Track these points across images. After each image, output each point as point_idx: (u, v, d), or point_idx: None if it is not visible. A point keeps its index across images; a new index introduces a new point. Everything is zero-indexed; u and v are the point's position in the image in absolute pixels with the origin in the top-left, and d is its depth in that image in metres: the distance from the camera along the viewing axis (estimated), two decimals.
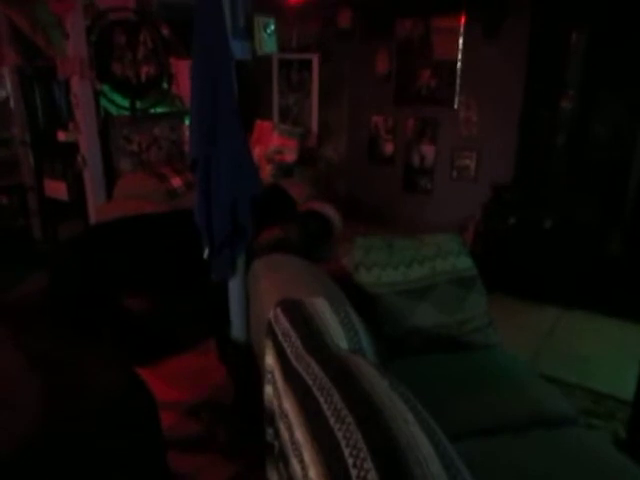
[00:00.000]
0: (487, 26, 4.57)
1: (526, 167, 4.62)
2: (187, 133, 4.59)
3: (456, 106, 4.98)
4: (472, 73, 4.83)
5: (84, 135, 4.01)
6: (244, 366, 2.36)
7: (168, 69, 4.53)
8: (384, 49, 5.28)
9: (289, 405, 1.30)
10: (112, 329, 2.43)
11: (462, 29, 4.76)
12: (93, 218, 4.12)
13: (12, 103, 4.74)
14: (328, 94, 5.79)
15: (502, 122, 4.70)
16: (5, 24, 4.47)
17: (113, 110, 4.28)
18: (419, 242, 2.55)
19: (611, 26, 4.04)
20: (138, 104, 4.39)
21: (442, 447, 1.05)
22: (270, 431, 1.53)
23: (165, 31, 4.48)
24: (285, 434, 1.30)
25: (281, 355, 1.48)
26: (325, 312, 1.62)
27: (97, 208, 4.07)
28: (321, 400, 1.17)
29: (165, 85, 4.57)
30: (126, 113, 4.35)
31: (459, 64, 4.86)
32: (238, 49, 2.14)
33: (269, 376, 1.57)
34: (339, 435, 1.05)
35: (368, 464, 0.96)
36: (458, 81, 4.91)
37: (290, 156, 5.38)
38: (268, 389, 1.58)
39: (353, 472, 0.96)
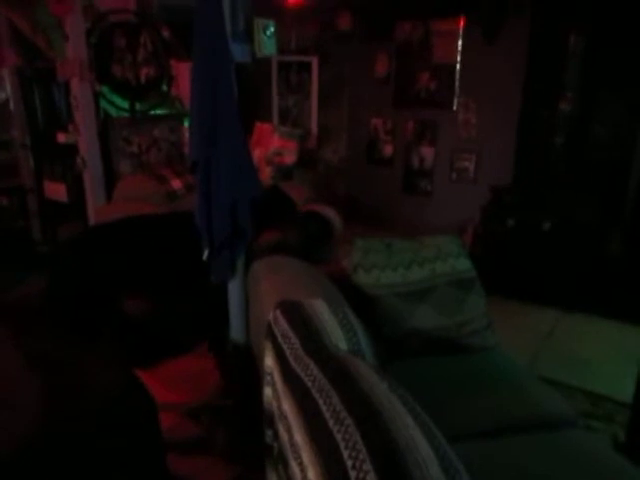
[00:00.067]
0: (486, 29, 4.58)
1: (525, 169, 4.62)
2: (187, 135, 4.59)
3: (455, 108, 4.99)
4: (471, 75, 4.84)
5: (84, 137, 4.01)
6: (243, 368, 2.36)
7: (168, 71, 4.53)
8: (383, 51, 5.29)
9: (288, 406, 1.30)
10: (111, 331, 2.43)
11: (461, 32, 4.76)
12: (93, 220, 4.12)
13: (12, 105, 4.75)
14: (327, 96, 5.80)
15: (501, 124, 4.71)
16: (5, 26, 4.47)
17: (113, 112, 4.28)
18: (418, 244, 2.55)
19: (610, 27, 4.05)
20: (138, 106, 4.39)
21: (441, 449, 1.05)
22: (269, 433, 1.54)
23: (165, 33, 4.48)
24: (284, 436, 1.30)
25: (280, 356, 1.48)
26: (324, 313, 1.62)
27: (97, 210, 4.07)
28: (320, 401, 1.17)
29: (165, 87, 4.57)
30: (126, 115, 4.35)
31: (458, 66, 4.86)
32: (238, 52, 2.14)
33: (268, 378, 1.58)
34: (338, 437, 1.05)
35: (367, 466, 0.96)
36: (457, 83, 4.92)
37: (290, 158, 5.38)
38: (267, 391, 1.58)
39: (352, 474, 0.96)
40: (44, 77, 4.54)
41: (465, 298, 2.44)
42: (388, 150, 5.58)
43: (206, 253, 2.16)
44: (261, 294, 2.02)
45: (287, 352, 1.46)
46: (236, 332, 2.37)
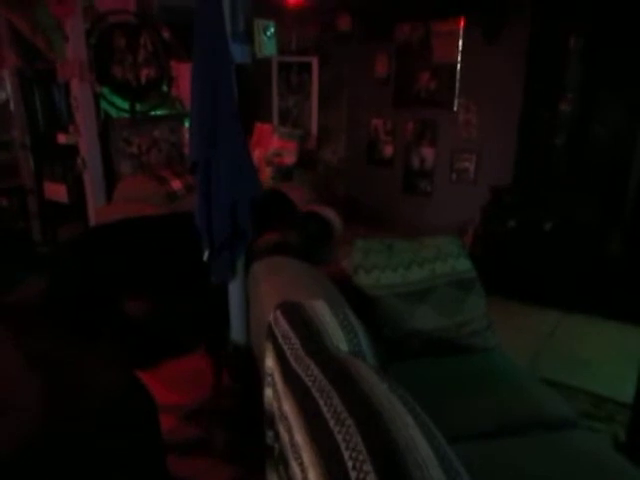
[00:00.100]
0: (486, 29, 4.58)
1: (526, 169, 4.62)
2: (187, 136, 4.60)
3: (455, 108, 4.99)
4: (471, 76, 4.83)
5: (84, 138, 4.02)
6: (244, 369, 2.36)
7: (168, 72, 4.53)
8: (383, 52, 5.29)
9: (289, 407, 1.30)
10: (112, 331, 2.43)
11: (461, 32, 4.76)
12: (93, 221, 4.12)
13: (12, 106, 4.75)
14: (328, 97, 5.81)
15: (502, 124, 4.71)
16: (5, 27, 4.47)
17: (113, 112, 4.29)
18: (418, 244, 2.55)
19: (610, 27, 4.05)
20: (138, 107, 4.40)
21: (441, 449, 1.05)
22: (270, 434, 1.54)
23: (165, 34, 4.49)
24: (285, 436, 1.30)
25: (281, 357, 1.48)
26: (325, 314, 1.62)
27: (97, 211, 4.07)
28: (321, 402, 1.17)
29: (165, 88, 4.58)
30: (126, 116, 4.35)
31: (459, 67, 4.86)
32: (238, 53, 2.14)
33: (269, 379, 1.58)
34: (339, 437, 1.05)
35: (368, 466, 0.96)
36: (457, 84, 4.92)
37: (289, 159, 5.38)
38: (268, 391, 1.58)
39: (353, 474, 0.96)
40: (44, 78, 4.54)
41: (465, 299, 2.44)
42: (388, 151, 5.58)
43: (206, 254, 2.16)
44: (261, 295, 2.02)
45: (288, 353, 1.46)
46: (237, 333, 2.37)
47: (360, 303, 2.20)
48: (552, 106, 4.39)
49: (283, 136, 5.51)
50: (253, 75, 5.93)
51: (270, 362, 1.57)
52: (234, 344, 2.40)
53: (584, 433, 2.01)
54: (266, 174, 5.22)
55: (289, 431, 1.27)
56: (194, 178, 2.16)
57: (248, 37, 2.26)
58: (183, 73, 4.51)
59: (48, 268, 2.66)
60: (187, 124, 4.60)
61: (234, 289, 2.32)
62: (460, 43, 4.79)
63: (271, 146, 5.40)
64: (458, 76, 4.89)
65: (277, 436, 1.42)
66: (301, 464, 1.14)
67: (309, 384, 1.26)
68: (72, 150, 4.20)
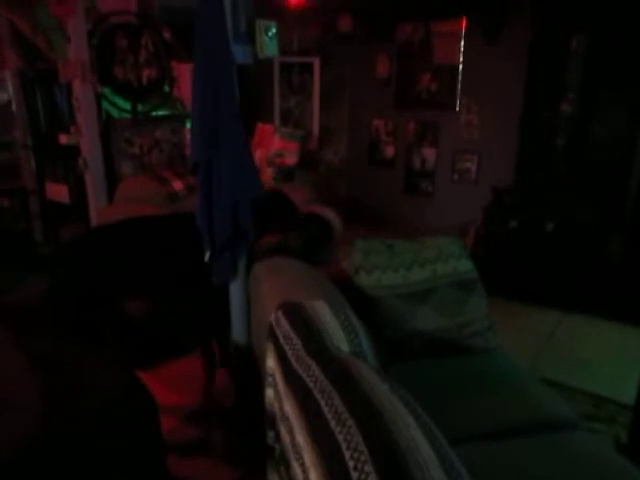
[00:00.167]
0: (487, 29, 4.58)
1: (527, 170, 4.62)
2: (188, 136, 4.60)
3: (457, 109, 4.98)
4: (473, 76, 4.83)
5: (85, 138, 4.02)
6: (245, 369, 2.37)
7: (170, 72, 4.54)
8: (384, 53, 5.29)
9: (290, 408, 1.30)
10: (113, 332, 2.43)
11: (463, 33, 4.76)
12: (94, 221, 4.12)
13: (14, 106, 4.75)
14: (329, 97, 5.81)
15: (503, 125, 4.71)
16: (6, 27, 4.48)
17: (115, 113, 4.29)
18: (420, 245, 2.55)
19: (611, 28, 4.04)
20: (140, 107, 4.40)
21: (442, 451, 1.05)
22: (271, 434, 1.54)
23: (167, 35, 4.49)
24: (286, 437, 1.30)
25: (282, 358, 1.48)
26: (325, 315, 1.62)
27: (98, 211, 4.07)
28: (322, 403, 1.17)
29: (167, 88, 4.58)
30: (128, 116, 4.35)
31: (460, 67, 4.86)
32: (239, 53, 2.15)
33: (270, 379, 1.58)
34: (340, 438, 1.05)
35: (369, 467, 0.96)
36: (459, 85, 4.92)
37: (291, 159, 5.39)
38: (269, 392, 1.58)
39: (354, 475, 0.96)
40: (46, 79, 4.54)
41: (466, 299, 2.44)
42: (389, 151, 5.58)
43: (208, 254, 2.16)
44: (262, 295, 2.03)
45: (289, 353, 1.46)
46: (238, 333, 2.37)
47: (361, 304, 2.20)
48: (553, 107, 4.39)
49: (284, 136, 5.51)
50: (255, 76, 5.94)
51: (271, 362, 1.57)
52: (235, 344, 2.40)
53: (585, 434, 2.01)
54: (267, 175, 5.23)
55: (290, 431, 1.27)
56: (195, 179, 2.17)
57: (250, 37, 2.26)
58: (184, 74, 4.52)
59: (49, 268, 2.66)
60: (188, 125, 4.60)
61: (235, 289, 2.32)
62: (462, 44, 4.79)
63: (272, 146, 5.41)
64: (459, 77, 4.89)
65: (278, 436, 1.42)
66: (302, 464, 1.14)
67: (310, 385, 1.26)
68: (74, 150, 4.20)
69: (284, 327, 1.57)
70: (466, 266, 2.53)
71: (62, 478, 1.45)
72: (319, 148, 5.98)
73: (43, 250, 4.94)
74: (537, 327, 3.87)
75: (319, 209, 3.17)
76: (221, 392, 2.81)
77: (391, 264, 2.39)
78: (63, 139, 4.39)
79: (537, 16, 4.31)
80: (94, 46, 3.97)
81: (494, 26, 4.55)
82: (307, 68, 5.82)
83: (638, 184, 4.09)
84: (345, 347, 1.53)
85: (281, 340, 1.53)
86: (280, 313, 1.64)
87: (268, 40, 2.59)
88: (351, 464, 0.98)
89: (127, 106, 4.32)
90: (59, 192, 4.66)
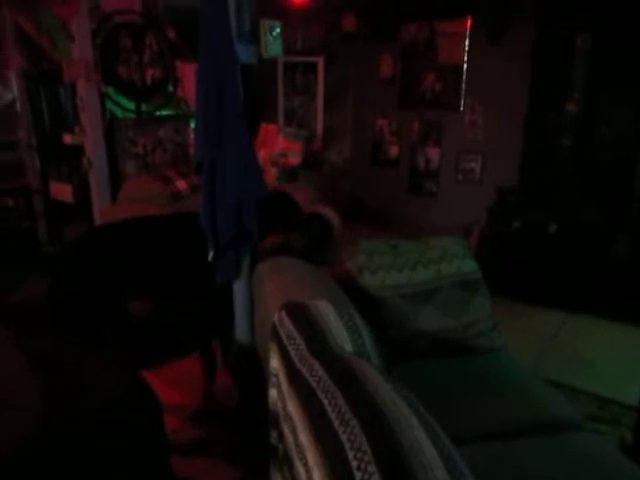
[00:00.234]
0: (491, 29, 4.58)
1: (531, 170, 4.61)
2: (192, 136, 4.60)
3: (462, 109, 4.98)
4: (477, 76, 4.83)
5: (89, 138, 4.03)
6: (248, 369, 2.36)
7: (174, 72, 4.54)
8: (388, 52, 5.29)
9: (293, 407, 1.30)
10: (115, 331, 2.43)
11: (467, 33, 4.75)
12: (98, 221, 4.13)
13: (18, 106, 4.77)
14: (333, 97, 5.81)
15: (507, 125, 4.70)
16: (11, 28, 4.49)
17: (119, 113, 4.30)
18: (424, 245, 2.55)
19: (616, 27, 4.03)
20: (144, 107, 4.41)
21: (446, 451, 1.04)
22: (274, 434, 1.53)
23: (171, 34, 4.50)
24: (289, 437, 1.30)
25: (285, 358, 1.48)
26: (329, 315, 1.62)
27: (102, 211, 4.08)
28: (325, 402, 1.17)
29: (171, 88, 4.59)
30: (132, 116, 4.36)
31: (465, 67, 4.85)
32: (243, 53, 2.14)
33: (274, 379, 1.57)
34: (343, 438, 1.04)
35: (372, 467, 0.96)
36: (463, 84, 4.91)
37: (295, 159, 5.39)
38: (272, 392, 1.58)
39: (357, 475, 0.96)
40: (50, 78, 4.55)
41: (470, 299, 2.44)
42: (393, 151, 5.58)
43: (211, 254, 2.16)
44: (266, 295, 2.02)
45: (292, 353, 1.46)
46: (241, 333, 2.37)
47: (365, 304, 2.19)
48: (557, 106, 4.38)
49: (288, 136, 5.51)
50: (259, 75, 5.94)
51: (275, 362, 1.57)
52: (239, 344, 2.40)
53: (589, 435, 2.00)
54: (271, 174, 5.23)
55: (293, 431, 1.26)
56: (199, 178, 2.17)
57: (254, 37, 2.26)
58: (188, 73, 4.52)
59: (51, 268, 2.66)
60: (192, 124, 4.60)
61: (239, 289, 2.32)
62: (466, 43, 4.78)
63: (276, 146, 5.41)
64: (464, 77, 4.88)
65: (281, 436, 1.42)
66: (305, 464, 1.14)
67: (314, 384, 1.25)
68: (78, 150, 4.21)
69: (287, 327, 1.57)
70: (470, 266, 2.52)
71: (62, 478, 1.45)
72: (323, 148, 5.98)
73: (47, 249, 4.95)
74: (541, 327, 3.86)
75: (320, 208, 3.17)
76: (223, 392, 2.81)
77: (395, 264, 2.39)
78: (67, 139, 4.40)
79: (541, 15, 4.30)
80: (98, 46, 3.97)
81: (498, 26, 4.54)
82: (311, 68, 5.82)
83: None
84: (349, 347, 1.53)
85: (284, 340, 1.53)
86: (283, 313, 1.64)
87: (272, 40, 2.59)
88: (354, 464, 0.98)
89: (131, 106, 4.33)
90: (63, 192, 4.67)
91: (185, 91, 4.67)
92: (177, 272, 2.50)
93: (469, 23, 4.72)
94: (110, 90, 4.17)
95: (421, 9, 4.91)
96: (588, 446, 1.86)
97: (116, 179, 4.26)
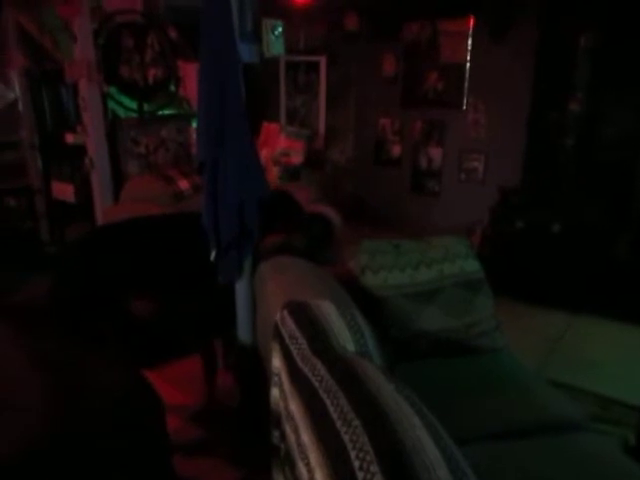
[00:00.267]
0: (494, 28, 4.57)
1: (534, 170, 4.60)
2: (194, 135, 4.60)
3: (464, 108, 4.97)
4: (480, 75, 4.82)
5: (92, 138, 4.03)
6: (250, 369, 2.36)
7: (176, 72, 4.54)
8: (391, 51, 5.29)
9: (295, 407, 1.30)
10: (117, 331, 2.43)
11: (470, 32, 4.75)
12: (100, 220, 4.13)
13: (20, 106, 4.77)
14: (335, 96, 5.80)
15: (510, 124, 4.69)
16: (13, 27, 4.49)
17: (121, 112, 4.30)
18: (426, 245, 2.54)
19: (619, 28, 4.02)
20: (146, 106, 4.41)
21: (448, 451, 1.04)
22: (276, 434, 1.53)
23: (173, 34, 4.50)
24: (291, 437, 1.30)
25: (288, 357, 1.47)
26: (331, 314, 1.62)
27: (104, 210, 4.08)
28: (327, 402, 1.16)
29: (172, 87, 4.59)
30: (134, 115, 4.36)
31: (467, 66, 4.85)
32: (245, 52, 2.14)
33: (276, 378, 1.57)
34: (345, 438, 1.04)
35: (374, 467, 0.96)
36: (466, 84, 4.90)
37: (297, 158, 5.39)
38: (274, 391, 1.58)
39: (359, 475, 0.96)
40: (52, 78, 4.55)
41: (473, 299, 2.43)
42: (396, 150, 5.57)
43: (213, 254, 2.16)
44: (268, 295, 2.02)
45: (294, 353, 1.46)
46: (243, 333, 2.37)
47: (367, 303, 2.19)
48: (561, 106, 4.37)
49: (290, 136, 5.51)
50: (261, 74, 5.94)
51: (277, 362, 1.57)
52: (241, 344, 2.40)
53: (592, 435, 1.99)
54: (273, 174, 5.23)
55: (295, 431, 1.26)
56: (201, 178, 2.16)
57: (256, 36, 2.26)
58: (190, 73, 4.52)
59: (54, 268, 2.66)
60: (194, 124, 4.60)
61: (241, 289, 2.31)
62: (469, 42, 4.78)
63: (278, 146, 5.41)
64: (467, 76, 4.87)
65: (283, 436, 1.41)
66: (308, 464, 1.14)
67: (316, 384, 1.25)
68: (80, 150, 4.21)
69: (290, 326, 1.57)
70: (473, 266, 2.52)
71: (64, 478, 1.45)
72: (325, 147, 5.98)
73: (49, 249, 4.95)
74: (543, 328, 3.85)
75: (321, 208, 3.17)
76: (225, 392, 2.81)
77: (397, 264, 2.39)
78: (69, 138, 4.40)
79: (544, 15, 4.29)
80: (100, 46, 3.98)
81: (501, 25, 4.54)
82: (313, 67, 5.82)
83: None
84: (351, 347, 1.52)
85: (287, 339, 1.53)
86: (286, 312, 1.64)
87: (274, 39, 2.59)
88: (357, 464, 0.98)
89: (133, 105, 4.33)
90: (65, 191, 4.67)
91: (187, 91, 4.67)
92: (179, 272, 2.50)
93: (472, 22, 4.72)
94: (112, 90, 4.17)
95: (423, 8, 4.91)
96: (591, 446, 1.86)
97: (118, 179, 4.26)
